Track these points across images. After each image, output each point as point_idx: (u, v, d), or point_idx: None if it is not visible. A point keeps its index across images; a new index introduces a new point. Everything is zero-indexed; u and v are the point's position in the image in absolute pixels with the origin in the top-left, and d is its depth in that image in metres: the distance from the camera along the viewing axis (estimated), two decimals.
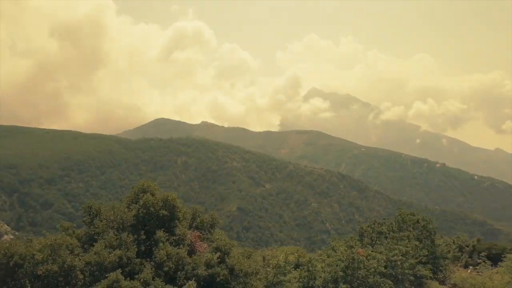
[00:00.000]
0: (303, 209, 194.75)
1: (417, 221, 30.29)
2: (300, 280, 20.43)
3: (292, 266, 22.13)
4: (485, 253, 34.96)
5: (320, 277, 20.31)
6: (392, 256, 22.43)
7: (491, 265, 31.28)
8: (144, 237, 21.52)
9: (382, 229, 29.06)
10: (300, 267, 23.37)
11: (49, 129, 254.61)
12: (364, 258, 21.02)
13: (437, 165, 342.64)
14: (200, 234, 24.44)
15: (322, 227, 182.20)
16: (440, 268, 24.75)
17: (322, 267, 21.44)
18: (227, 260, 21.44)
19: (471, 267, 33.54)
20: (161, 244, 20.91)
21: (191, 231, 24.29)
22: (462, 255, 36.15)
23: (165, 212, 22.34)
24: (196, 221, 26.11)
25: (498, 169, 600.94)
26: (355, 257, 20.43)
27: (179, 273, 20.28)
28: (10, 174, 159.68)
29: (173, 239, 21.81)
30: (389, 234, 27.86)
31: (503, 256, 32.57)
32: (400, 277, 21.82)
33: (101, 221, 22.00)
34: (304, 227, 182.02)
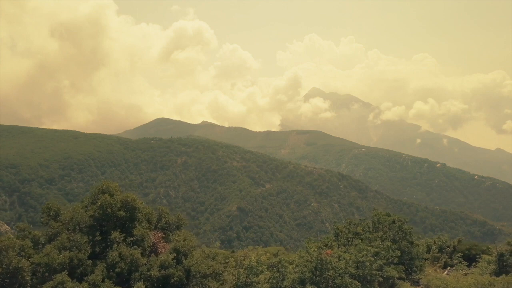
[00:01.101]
0: (303, 209, 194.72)
1: (393, 222, 30.16)
2: (270, 281, 20.28)
3: (265, 266, 21.91)
4: (462, 254, 35.15)
5: (289, 278, 20.19)
6: (361, 257, 22.34)
7: (467, 266, 31.28)
8: (99, 238, 21.32)
9: (358, 229, 28.94)
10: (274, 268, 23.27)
11: (49, 129, 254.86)
12: (332, 259, 20.94)
13: (438, 165, 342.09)
14: (164, 235, 24.22)
15: (322, 227, 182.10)
16: (415, 269, 24.61)
17: (292, 268, 21.29)
18: (183, 261, 21.33)
19: (448, 268, 33.48)
20: (115, 245, 20.68)
21: (154, 232, 24.16)
22: (441, 255, 35.99)
23: (123, 213, 22.14)
24: (162, 222, 26.04)
25: (499, 169, 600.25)
26: (323, 258, 20.35)
27: (133, 274, 20.09)
28: (11, 174, 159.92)
29: (131, 240, 21.59)
30: (364, 234, 27.67)
31: (478, 256, 32.55)
32: (369, 278, 21.74)
33: (56, 222, 21.84)
34: (304, 227, 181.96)
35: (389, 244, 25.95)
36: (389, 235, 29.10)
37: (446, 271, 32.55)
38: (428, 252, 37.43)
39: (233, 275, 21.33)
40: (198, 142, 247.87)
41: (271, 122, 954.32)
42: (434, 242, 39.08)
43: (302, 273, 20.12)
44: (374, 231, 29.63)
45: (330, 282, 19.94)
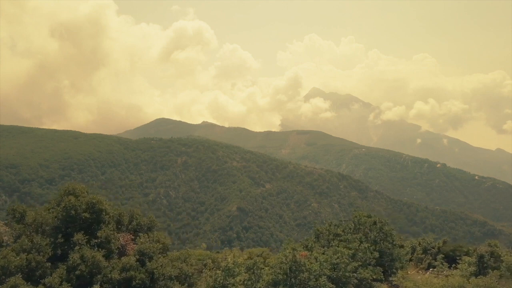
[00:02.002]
0: (303, 209, 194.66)
1: (374, 223, 30.02)
2: (245, 282, 20.18)
3: (243, 268, 21.80)
4: (444, 255, 35.08)
5: (263, 280, 20.07)
6: (336, 259, 22.21)
7: (449, 267, 31.20)
8: (62, 240, 21.16)
9: (338, 231, 28.81)
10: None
11: (49, 129, 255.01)
12: (306, 261, 20.78)
13: (438, 166, 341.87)
14: (133, 237, 24.07)
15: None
16: (394, 270, 24.47)
17: (268, 270, 21.22)
18: (147, 263, 21.19)
19: (431, 269, 33.40)
20: (76, 247, 20.51)
21: (124, 234, 24.11)
22: (425, 257, 35.91)
23: (87, 215, 22.02)
24: (132, 224, 25.93)
25: (499, 169, 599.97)
26: (297, 259, 20.17)
27: (95, 277, 19.91)
28: (11, 174, 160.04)
29: (95, 242, 21.46)
30: (344, 236, 27.58)
31: (458, 258, 32.49)
32: (344, 279, 21.64)
33: (18, 224, 21.70)
34: (304, 227, 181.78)
35: (367, 246, 25.78)
36: (370, 237, 28.98)
37: (428, 273, 32.50)
38: (412, 253, 37.43)
39: (210, 276, 21.20)
40: (198, 142, 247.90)
41: (271, 122, 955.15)
42: (419, 244, 39.06)
43: (275, 275, 19.95)
44: (355, 232, 29.44)
45: (304, 284, 19.79)
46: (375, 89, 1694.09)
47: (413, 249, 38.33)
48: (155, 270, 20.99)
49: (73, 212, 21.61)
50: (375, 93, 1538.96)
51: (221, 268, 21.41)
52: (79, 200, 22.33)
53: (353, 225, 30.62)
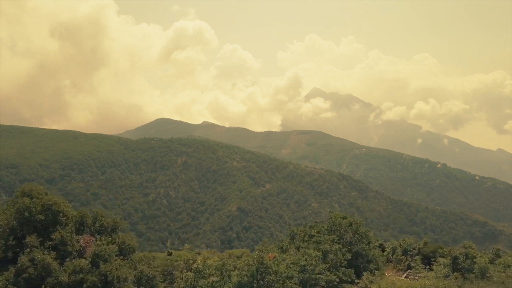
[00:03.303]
0: (303, 209, 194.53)
1: (350, 225, 29.78)
2: (213, 284, 20.07)
3: (213, 270, 21.66)
4: (423, 256, 35.11)
5: (231, 282, 19.99)
6: (304, 261, 22.01)
7: (424, 268, 31.09)
8: (13, 242, 20.93)
9: (312, 232, 28.56)
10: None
11: (49, 129, 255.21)
12: (272, 263, 20.63)
13: (438, 166, 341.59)
14: (94, 239, 24.02)
15: None
16: (368, 272, 24.34)
17: (235, 272, 21.13)
18: (101, 266, 21.11)
19: (408, 271, 33.28)
20: (27, 250, 20.19)
21: (85, 236, 24.03)
22: (405, 258, 35.79)
23: (42, 217, 21.77)
24: (96, 225, 25.89)
25: (500, 169, 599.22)
26: (263, 261, 20.07)
27: (47, 280, 19.68)
28: (11, 174, 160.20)
29: (49, 245, 21.20)
30: (318, 237, 27.32)
31: (433, 259, 32.38)
32: (312, 281, 21.52)
33: None
34: None
35: (338, 247, 25.55)
36: (346, 238, 28.64)
37: (405, 274, 32.39)
38: (393, 254, 37.31)
39: (181, 278, 21.08)
40: (198, 142, 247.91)
41: (272, 122, 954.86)
42: (400, 245, 38.97)
43: (241, 277, 19.85)
44: (330, 233, 29.17)
45: (271, 286, 19.65)
46: (376, 89, 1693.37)
47: (394, 250, 38.22)
48: (108, 273, 20.79)
49: (27, 214, 21.25)
50: (375, 93, 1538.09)
51: (192, 270, 21.25)
52: (34, 202, 22.03)
53: (328, 226, 30.36)
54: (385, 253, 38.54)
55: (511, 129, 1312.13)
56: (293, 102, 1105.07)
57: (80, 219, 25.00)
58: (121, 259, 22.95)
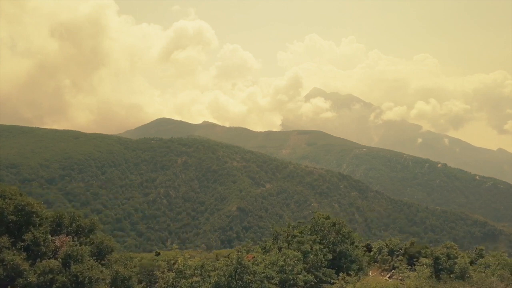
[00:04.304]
0: (303, 209, 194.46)
1: (333, 225, 29.76)
2: (193, 284, 20.11)
3: (192, 270, 21.60)
4: (408, 256, 35.08)
5: (210, 282, 19.96)
6: (282, 261, 21.97)
7: (408, 268, 31.14)
8: None
9: (295, 232, 28.51)
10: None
11: (50, 129, 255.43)
12: (251, 263, 20.64)
13: (439, 166, 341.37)
14: (70, 239, 24.03)
15: None
16: (349, 272, 24.38)
17: (213, 272, 21.12)
18: (72, 266, 21.17)
19: (392, 271, 33.27)
20: None
21: (60, 237, 24.06)
22: (391, 258, 35.74)
23: (13, 218, 21.86)
24: (73, 226, 25.93)
25: (500, 169, 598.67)
26: (241, 262, 20.07)
27: (17, 280, 19.71)
28: (11, 174, 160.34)
29: (21, 245, 21.24)
30: (300, 238, 27.32)
31: (415, 260, 32.36)
32: (291, 282, 21.48)
33: None
34: None
35: (318, 248, 25.51)
36: (329, 238, 28.66)
37: (389, 274, 32.36)
38: (379, 254, 37.29)
39: (162, 279, 21.03)
40: (199, 142, 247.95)
41: (272, 122, 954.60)
42: (386, 245, 38.95)
43: (218, 278, 19.85)
44: (313, 234, 29.11)
45: (248, 287, 19.64)
46: (376, 89, 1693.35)
47: (380, 250, 38.23)
48: (79, 273, 20.85)
49: None
50: (375, 93, 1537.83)
51: (173, 270, 21.22)
52: (6, 202, 22.12)
53: (311, 226, 30.29)
54: (372, 253, 38.51)
55: (511, 129, 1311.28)
56: (293, 102, 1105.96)
57: (57, 219, 25.09)
58: (94, 260, 23.01)
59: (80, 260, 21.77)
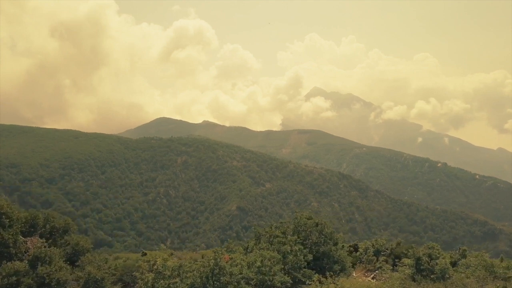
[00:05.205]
0: (303, 208, 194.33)
1: (316, 225, 29.68)
2: (170, 285, 19.93)
3: (171, 270, 21.61)
4: (392, 257, 34.94)
5: (187, 284, 19.82)
6: (259, 262, 21.89)
7: (391, 269, 31.14)
8: None
9: (277, 232, 28.28)
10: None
11: (50, 129, 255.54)
12: (227, 264, 20.59)
13: (439, 165, 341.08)
14: (43, 241, 23.96)
15: None
16: (331, 273, 24.34)
17: (189, 274, 20.95)
18: (38, 268, 21.11)
19: (376, 271, 33.22)
20: None
21: (33, 238, 24.00)
22: (377, 258, 35.64)
23: None
24: (47, 227, 25.85)
25: (501, 169, 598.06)
26: (218, 263, 19.97)
27: None
28: (11, 173, 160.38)
29: None
30: (285, 238, 27.11)
31: (397, 260, 32.23)
32: (268, 283, 21.43)
33: None
34: None
35: (297, 248, 25.44)
36: (312, 239, 28.67)
37: (373, 274, 32.31)
38: (365, 255, 37.21)
39: (141, 279, 20.97)
40: (199, 141, 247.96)
41: (272, 122, 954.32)
42: (372, 245, 38.85)
43: (193, 279, 19.76)
44: (295, 234, 28.98)
45: (224, 287, 19.61)
46: (376, 89, 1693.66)
47: (366, 251, 38.15)
48: (46, 275, 20.78)
49: None
50: (375, 93, 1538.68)
51: (153, 271, 21.15)
52: None
53: (293, 227, 30.21)
54: (358, 253, 38.40)
55: (511, 128, 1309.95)
56: (293, 101, 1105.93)
57: (30, 220, 25.01)
58: (67, 261, 22.85)
59: (48, 261, 21.59)
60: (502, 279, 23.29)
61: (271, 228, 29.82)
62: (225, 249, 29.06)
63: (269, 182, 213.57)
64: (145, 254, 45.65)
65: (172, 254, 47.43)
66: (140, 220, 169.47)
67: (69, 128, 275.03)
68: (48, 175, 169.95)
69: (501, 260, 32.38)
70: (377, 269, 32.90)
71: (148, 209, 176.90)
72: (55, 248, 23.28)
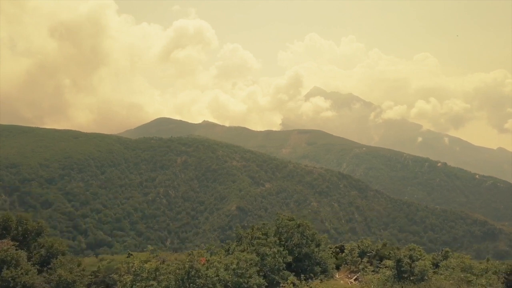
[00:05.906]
0: (303, 208, 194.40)
1: (298, 226, 29.61)
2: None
3: (147, 272, 21.54)
4: (369, 258, 34.94)
5: (162, 287, 19.65)
6: (236, 264, 21.86)
7: (373, 271, 31.18)
8: None
9: (258, 234, 28.20)
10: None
11: (50, 129, 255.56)
12: (204, 267, 20.50)
13: (439, 165, 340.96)
14: (13, 243, 23.66)
15: (322, 226, 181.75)
16: (309, 275, 24.20)
17: (164, 276, 20.74)
18: (3, 272, 20.80)
19: (359, 273, 33.19)
20: None
21: (5, 241, 23.69)
22: (361, 260, 35.54)
23: None
24: (19, 230, 25.59)
25: (501, 168, 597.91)
26: (193, 265, 19.88)
27: None
28: (11, 173, 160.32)
29: None
30: (265, 239, 27.06)
31: (378, 261, 32.12)
32: (245, 285, 21.43)
33: None
34: None
35: (276, 250, 25.35)
36: (293, 240, 28.56)
37: (356, 276, 32.27)
38: (350, 256, 37.17)
39: (120, 281, 20.81)
40: (198, 141, 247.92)
41: (272, 122, 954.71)
42: (358, 246, 38.78)
43: (168, 282, 19.58)
44: (276, 235, 28.90)
45: None
46: (376, 89, 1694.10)
47: (351, 252, 38.13)
48: (11, 278, 20.49)
49: None
50: (375, 93, 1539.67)
51: (131, 273, 21.02)
52: None
53: (275, 228, 30.11)
54: (343, 254, 38.33)
55: (511, 128, 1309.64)
56: (293, 101, 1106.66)
57: (3, 223, 24.76)
58: (36, 264, 22.51)
59: (14, 265, 21.22)
60: (466, 282, 23.00)
61: (252, 229, 29.73)
62: (206, 250, 28.95)
63: (269, 182, 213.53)
64: (131, 255, 45.31)
65: (157, 255, 47.25)
66: (140, 220, 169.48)
67: (69, 128, 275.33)
68: (48, 175, 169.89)
69: (487, 261, 32.38)
70: (361, 271, 32.88)
71: (148, 209, 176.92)
72: (23, 251, 22.76)
